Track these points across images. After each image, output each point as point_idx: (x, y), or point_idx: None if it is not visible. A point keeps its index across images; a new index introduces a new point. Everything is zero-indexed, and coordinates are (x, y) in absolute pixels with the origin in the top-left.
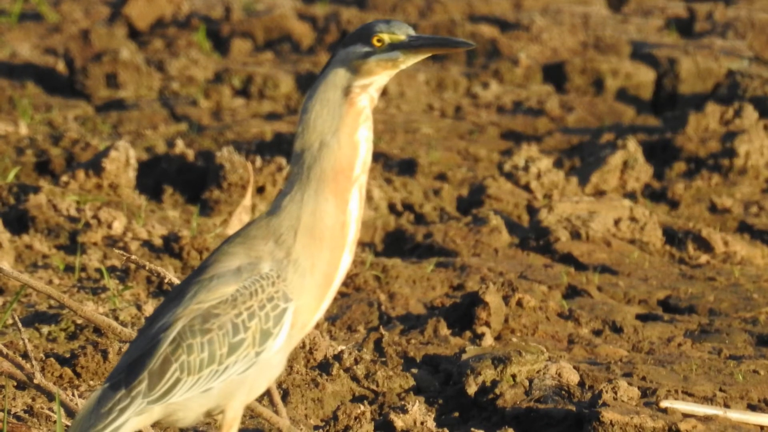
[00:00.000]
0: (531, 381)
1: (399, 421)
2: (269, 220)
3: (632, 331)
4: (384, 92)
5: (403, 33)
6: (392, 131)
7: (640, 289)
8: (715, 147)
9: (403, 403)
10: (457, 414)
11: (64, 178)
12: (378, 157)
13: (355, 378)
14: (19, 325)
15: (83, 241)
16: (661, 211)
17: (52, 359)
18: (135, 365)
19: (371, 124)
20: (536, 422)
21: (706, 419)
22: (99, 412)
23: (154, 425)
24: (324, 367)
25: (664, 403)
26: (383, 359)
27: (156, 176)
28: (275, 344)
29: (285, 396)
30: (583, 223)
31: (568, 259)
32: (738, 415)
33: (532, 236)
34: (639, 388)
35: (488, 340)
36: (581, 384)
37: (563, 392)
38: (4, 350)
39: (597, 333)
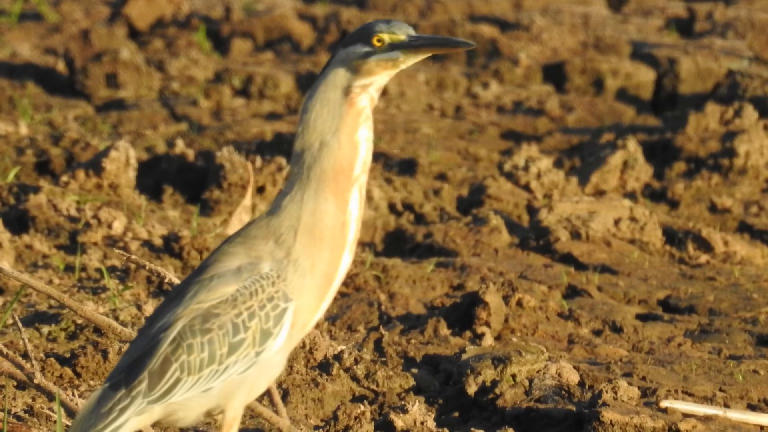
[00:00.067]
0: (531, 381)
1: (399, 421)
2: (269, 220)
3: (632, 331)
4: (384, 92)
5: (403, 33)
6: (392, 131)
7: (640, 289)
8: (715, 147)
9: (403, 403)
10: (457, 414)
11: (64, 178)
12: (378, 157)
13: (355, 378)
14: (20, 324)
15: (83, 241)
16: (661, 211)
17: (52, 359)
18: (135, 365)
19: (371, 124)
20: (536, 422)
21: (706, 419)
22: (99, 412)
23: (154, 425)
24: (324, 367)
25: (664, 403)
26: (383, 359)
27: (156, 176)
28: (275, 344)
29: (285, 396)
30: (583, 223)
31: (568, 259)
32: (738, 415)
33: (532, 236)
34: (639, 388)
35: (488, 340)
36: (581, 384)
37: (563, 392)
38: (5, 350)
39: (597, 333)
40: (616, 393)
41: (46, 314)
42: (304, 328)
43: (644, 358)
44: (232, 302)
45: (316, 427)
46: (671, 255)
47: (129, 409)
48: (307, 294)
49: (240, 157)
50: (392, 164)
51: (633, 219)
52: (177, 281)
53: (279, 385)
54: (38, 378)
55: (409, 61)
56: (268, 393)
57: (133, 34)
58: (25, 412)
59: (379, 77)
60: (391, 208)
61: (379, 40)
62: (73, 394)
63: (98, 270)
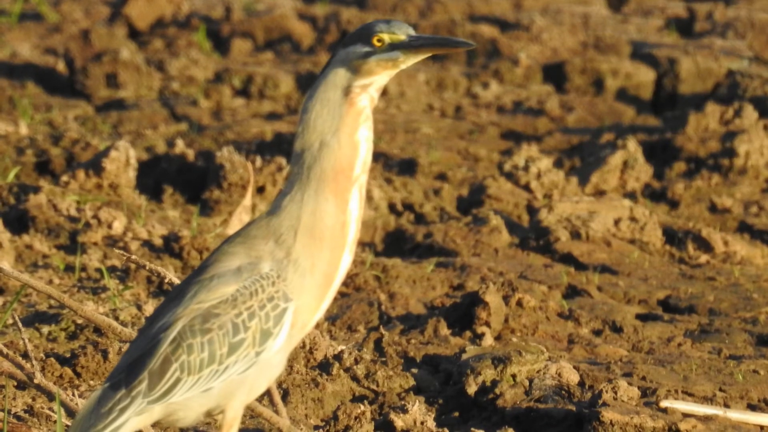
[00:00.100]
0: (531, 381)
1: (399, 421)
2: (269, 219)
3: (632, 331)
4: (384, 92)
5: (403, 33)
6: (392, 131)
7: (640, 289)
8: (715, 147)
9: (403, 403)
10: (457, 414)
11: (65, 178)
12: (378, 157)
13: (355, 378)
14: (20, 324)
15: (83, 241)
16: (661, 211)
17: (52, 359)
18: (135, 365)
19: (371, 124)
20: (536, 422)
21: (706, 419)
22: (99, 412)
23: (154, 425)
24: (324, 366)
25: (664, 403)
26: (383, 359)
27: (156, 176)
28: (275, 344)
29: (285, 396)
30: (583, 223)
31: (568, 259)
32: (738, 415)
33: (532, 236)
34: (639, 388)
35: (488, 340)
36: (581, 384)
37: (563, 392)
38: (5, 350)
39: (597, 333)
40: (616, 393)
41: (46, 314)
42: (304, 328)
43: (644, 358)
44: (232, 302)
45: (316, 427)
46: (671, 255)
47: (129, 409)
48: (307, 294)
49: (240, 157)
50: (392, 164)
51: (633, 219)
52: (177, 281)
53: (279, 385)
54: (38, 378)
55: (409, 61)
56: (268, 393)
57: (133, 34)
58: (26, 412)
59: (379, 77)
60: (391, 208)
61: (379, 40)
62: (73, 394)
63: (98, 270)
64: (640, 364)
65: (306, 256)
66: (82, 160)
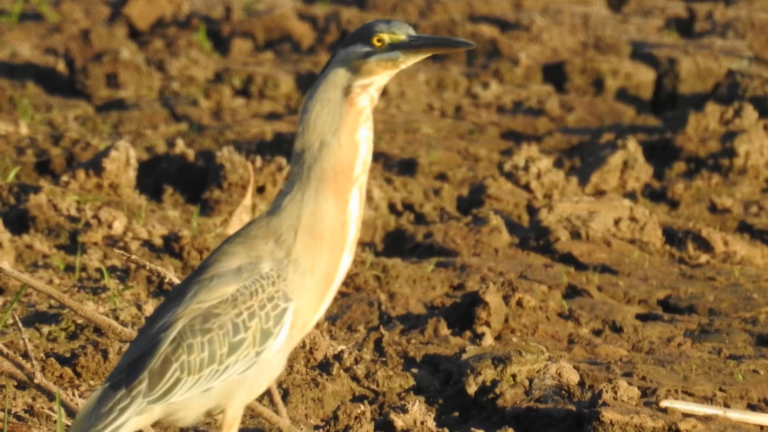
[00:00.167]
0: (531, 381)
1: (399, 421)
2: (269, 219)
3: (632, 331)
4: (384, 92)
5: (403, 33)
6: (392, 131)
7: (640, 289)
8: (715, 147)
9: (403, 402)
10: (457, 414)
11: (65, 178)
12: (378, 157)
13: (355, 378)
14: (20, 324)
15: (83, 241)
16: (661, 211)
17: (52, 359)
18: (135, 365)
19: (371, 123)
20: (536, 422)
21: (706, 419)
22: (99, 412)
23: (154, 425)
24: (324, 366)
25: (664, 403)
26: (383, 359)
27: (156, 176)
28: (275, 344)
29: (285, 396)
30: (583, 223)
31: (568, 259)
32: (738, 414)
33: (532, 236)
34: (639, 387)
35: (488, 340)
36: (581, 384)
37: (563, 392)
38: (5, 350)
39: (597, 333)
40: (616, 393)
41: (46, 314)
42: (304, 327)
43: (644, 358)
44: (233, 302)
45: (316, 427)
46: (671, 255)
47: (129, 408)
48: (307, 294)
49: (240, 157)
50: (392, 164)
51: (633, 219)
52: (177, 281)
53: (279, 384)
54: (38, 378)
55: (409, 61)
56: (268, 393)
57: (134, 34)
58: (26, 411)
59: (379, 77)
60: (391, 208)
61: (379, 40)
62: (74, 394)
63: (98, 270)
64: (640, 364)
65: (306, 256)
66: (83, 160)
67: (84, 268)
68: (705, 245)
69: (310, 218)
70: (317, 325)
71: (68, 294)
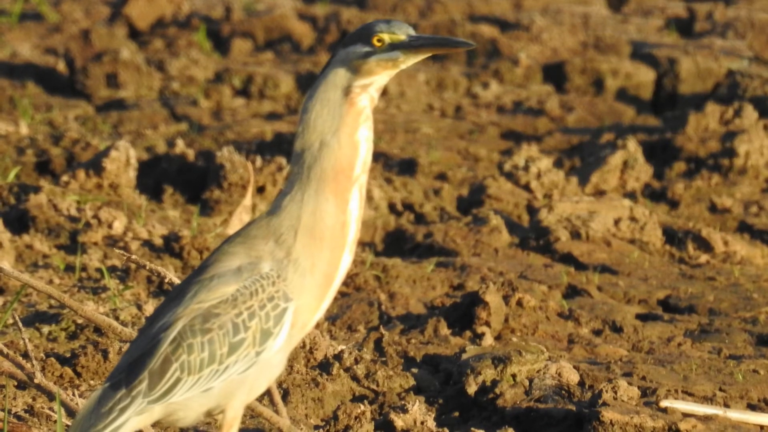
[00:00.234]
0: (531, 381)
1: (399, 421)
2: (269, 219)
3: (632, 331)
4: (384, 92)
5: (403, 33)
6: (392, 131)
7: (640, 289)
8: (715, 147)
9: (403, 402)
10: (457, 414)
11: (65, 178)
12: (378, 156)
13: (355, 378)
14: (20, 324)
15: (84, 241)
16: (661, 211)
17: (52, 359)
18: (135, 365)
19: (371, 123)
20: (536, 422)
21: (706, 419)
22: (99, 412)
23: (154, 425)
24: (324, 366)
25: (664, 403)
26: (383, 359)
27: (156, 176)
28: (275, 344)
29: (285, 395)
30: (583, 223)
31: (568, 259)
32: (738, 414)
33: (532, 236)
34: (639, 387)
35: (488, 340)
36: (581, 384)
37: (563, 392)
38: (5, 350)
39: (597, 333)
40: (616, 393)
41: (46, 314)
42: (304, 327)
43: (644, 358)
44: (233, 302)
45: (316, 427)
46: (671, 255)
47: (129, 408)
48: (307, 294)
49: (240, 157)
50: (392, 164)
51: (633, 219)
52: (177, 281)
53: (279, 384)
54: (38, 378)
55: (409, 61)
56: (268, 393)
57: (134, 34)
58: (26, 411)
59: (379, 77)
60: (391, 208)
61: (379, 40)
62: (74, 394)
63: (98, 270)
64: (640, 364)
65: (306, 255)
66: (83, 160)
67: (84, 268)
68: (705, 245)
69: (310, 218)
70: (317, 325)
71: (68, 294)
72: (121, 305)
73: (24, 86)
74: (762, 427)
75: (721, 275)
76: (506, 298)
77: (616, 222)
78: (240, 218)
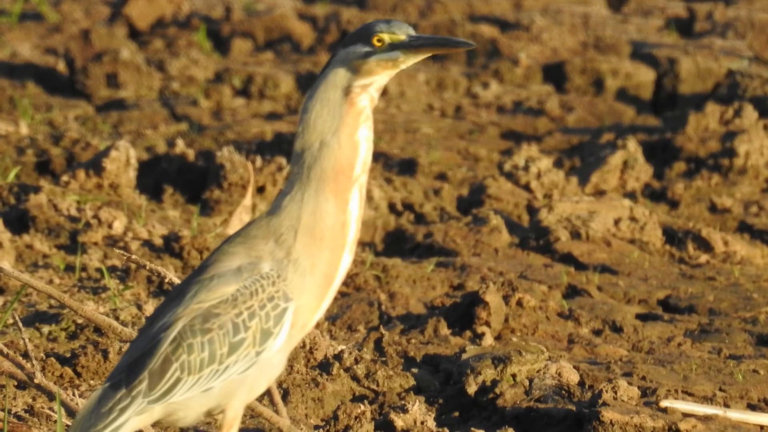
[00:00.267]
0: (531, 381)
1: (399, 421)
2: (269, 219)
3: (632, 331)
4: (384, 92)
5: (403, 33)
6: (392, 131)
7: (640, 289)
8: (715, 147)
9: (403, 402)
10: (457, 414)
11: (65, 178)
12: (378, 156)
13: (355, 378)
14: (20, 324)
15: (84, 241)
16: (661, 211)
17: (52, 359)
18: (135, 365)
19: (371, 123)
20: (536, 422)
21: (706, 419)
22: (99, 412)
23: (154, 425)
24: (324, 366)
25: (664, 403)
26: (383, 359)
27: (156, 176)
28: (275, 344)
29: (285, 395)
30: (583, 223)
31: (568, 259)
32: (738, 414)
33: (532, 236)
34: (639, 387)
35: (488, 340)
36: (581, 384)
37: (563, 392)
38: (5, 350)
39: (597, 333)
40: (616, 393)
41: (46, 314)
42: (304, 327)
43: (644, 358)
44: (233, 302)
45: (317, 427)
46: (671, 255)
47: (129, 408)
48: (307, 294)
49: (240, 157)
50: (392, 164)
51: (633, 219)
52: (177, 281)
53: (279, 384)
54: (38, 378)
55: (409, 61)
56: (268, 393)
57: (134, 34)
58: (26, 411)
59: (379, 77)
60: (391, 208)
61: (379, 40)
62: (74, 394)
63: (98, 270)
64: (640, 364)
65: (306, 255)
66: (83, 160)
67: (84, 268)
68: (705, 245)
69: (310, 218)
70: (317, 325)
71: (68, 294)
72: (121, 305)
73: (24, 86)
74: (762, 427)
75: (721, 275)
76: (506, 298)
77: (616, 222)
78: (240, 218)
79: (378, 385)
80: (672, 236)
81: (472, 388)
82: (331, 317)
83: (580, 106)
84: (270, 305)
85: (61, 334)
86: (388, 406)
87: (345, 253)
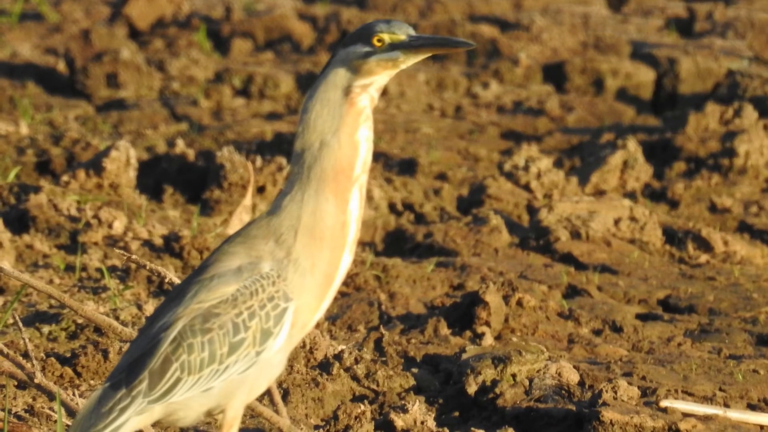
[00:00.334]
0: (531, 380)
1: (399, 421)
2: (270, 219)
3: (632, 331)
4: (384, 92)
5: (403, 33)
6: (392, 131)
7: (640, 289)
8: (715, 147)
9: (403, 402)
10: (457, 413)
11: (65, 178)
12: (378, 156)
13: (355, 377)
14: (20, 324)
15: (84, 241)
16: (661, 210)
17: (52, 359)
18: (136, 365)
19: (371, 123)
20: (536, 422)
21: (706, 419)
22: (99, 412)
23: (154, 425)
24: (324, 366)
25: (664, 403)
26: (383, 359)
27: (156, 176)
28: (276, 344)
29: (285, 395)
30: (583, 222)
31: (568, 258)
32: (738, 414)
33: (532, 236)
34: (639, 387)
35: (488, 340)
36: (581, 383)
37: (563, 392)
38: (5, 350)
39: (597, 333)
40: (616, 393)
41: (46, 314)
42: (304, 327)
43: (644, 358)
44: (233, 302)
45: (317, 427)
46: (671, 255)
47: (129, 408)
48: (307, 294)
49: (240, 157)
50: (392, 164)
51: (633, 219)
52: (177, 281)
53: (279, 384)
54: (39, 377)
55: (409, 61)
56: (268, 392)
57: (134, 34)
58: (26, 411)
59: (379, 77)
60: (391, 208)
61: (379, 40)
62: (74, 394)
63: (99, 270)
64: (640, 364)
65: (306, 255)
66: (83, 160)
67: (84, 268)
68: (705, 245)
69: (310, 218)
70: (317, 325)
71: (68, 294)
72: (121, 305)
73: (24, 86)
74: (762, 427)
75: (721, 275)
76: (506, 298)
77: (616, 222)
78: (240, 218)
79: (378, 385)
80: (672, 236)
81: (472, 388)
82: (331, 317)
83: (580, 106)
84: (270, 305)
85: (61, 334)
86: (388, 406)
87: (345, 253)
